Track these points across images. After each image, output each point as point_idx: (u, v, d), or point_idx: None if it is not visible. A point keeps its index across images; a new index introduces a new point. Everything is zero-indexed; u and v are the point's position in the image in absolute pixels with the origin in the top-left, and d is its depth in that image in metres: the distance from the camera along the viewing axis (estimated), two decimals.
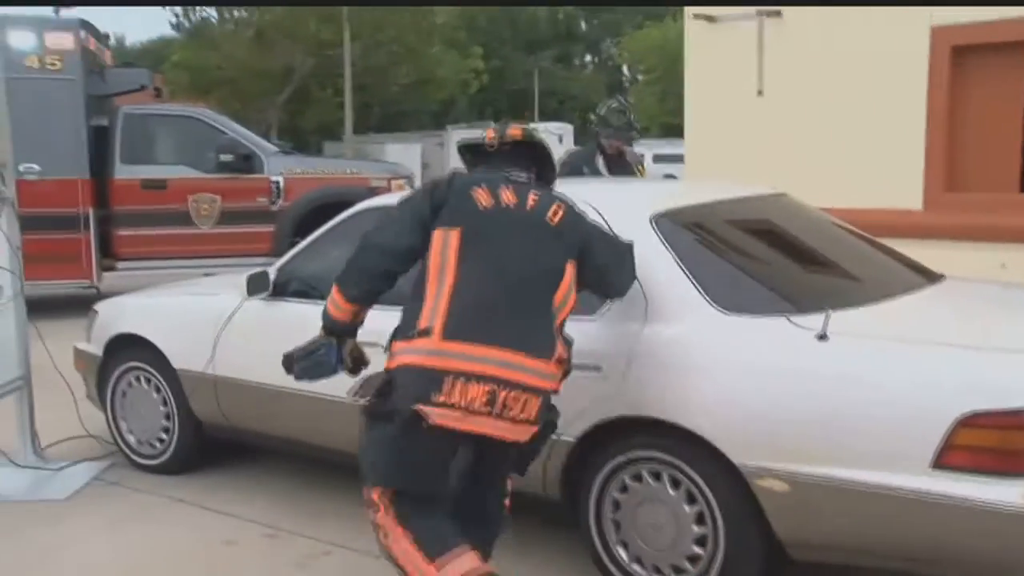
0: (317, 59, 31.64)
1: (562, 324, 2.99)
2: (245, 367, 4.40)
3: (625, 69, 62.94)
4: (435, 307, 2.82)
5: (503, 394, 2.76)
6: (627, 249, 3.21)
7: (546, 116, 47.75)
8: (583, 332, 3.46)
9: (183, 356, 4.62)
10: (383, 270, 2.99)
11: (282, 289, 4.37)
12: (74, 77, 9.42)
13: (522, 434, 2.88)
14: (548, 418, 3.00)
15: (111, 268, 9.98)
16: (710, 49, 8.61)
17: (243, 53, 30.42)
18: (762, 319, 3.25)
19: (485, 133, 3.17)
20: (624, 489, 3.44)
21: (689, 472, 3.27)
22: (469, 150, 3.26)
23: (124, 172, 9.80)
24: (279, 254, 10.46)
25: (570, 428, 3.45)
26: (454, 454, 2.95)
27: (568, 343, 3.03)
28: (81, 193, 9.47)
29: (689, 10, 8.56)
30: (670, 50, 42.22)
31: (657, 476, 3.36)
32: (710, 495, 3.22)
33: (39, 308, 5.31)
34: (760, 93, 8.29)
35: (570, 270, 2.98)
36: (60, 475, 4.83)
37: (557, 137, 35.63)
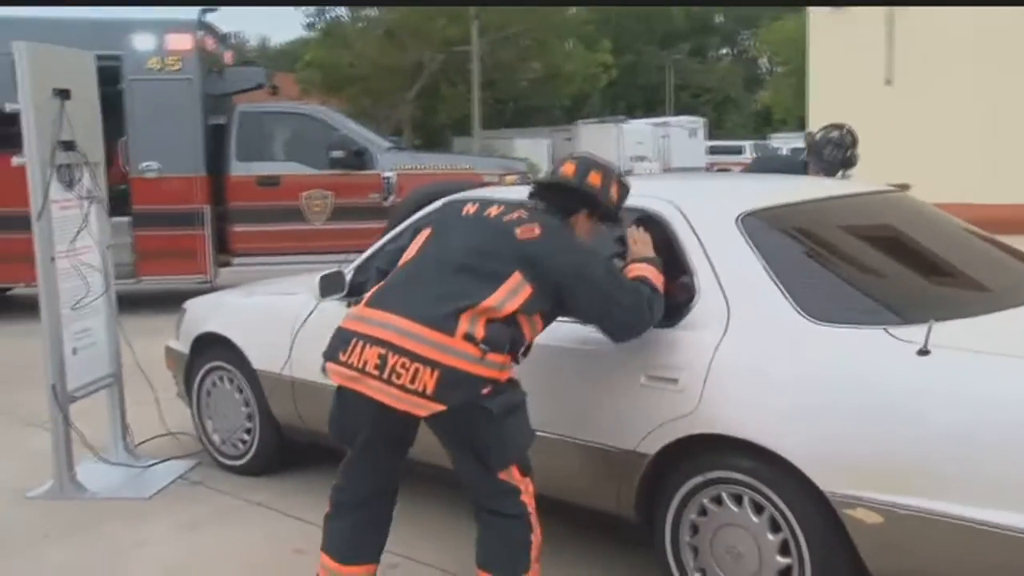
0: (446, 55, 31.87)
1: (489, 320, 2.86)
2: (320, 369, 4.30)
3: (762, 62, 61.49)
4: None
5: (392, 359, 2.80)
6: (619, 301, 3.05)
7: (679, 110, 47.00)
8: (661, 342, 3.24)
9: (262, 356, 4.56)
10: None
11: (359, 289, 4.24)
12: (192, 77, 9.64)
13: (413, 406, 2.82)
14: (475, 402, 2.83)
15: (226, 264, 10.19)
16: (834, 37, 8.22)
17: (373, 51, 30.90)
18: (856, 330, 2.93)
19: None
20: (703, 512, 3.18)
21: (772, 497, 2.98)
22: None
23: (239, 169, 9.98)
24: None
25: (645, 443, 3.22)
26: (378, 426, 3.00)
27: (496, 339, 2.85)
28: (198, 190, 9.68)
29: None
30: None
31: (738, 500, 3.08)
32: (795, 523, 2.93)
33: (155, 303, 5.42)
34: (888, 82, 7.88)
35: (515, 280, 2.91)
36: (147, 473, 4.86)
37: (689, 132, 34.99)
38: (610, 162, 3.37)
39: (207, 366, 4.90)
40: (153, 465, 4.93)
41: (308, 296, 4.39)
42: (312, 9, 33.75)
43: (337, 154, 9.83)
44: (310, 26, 34.96)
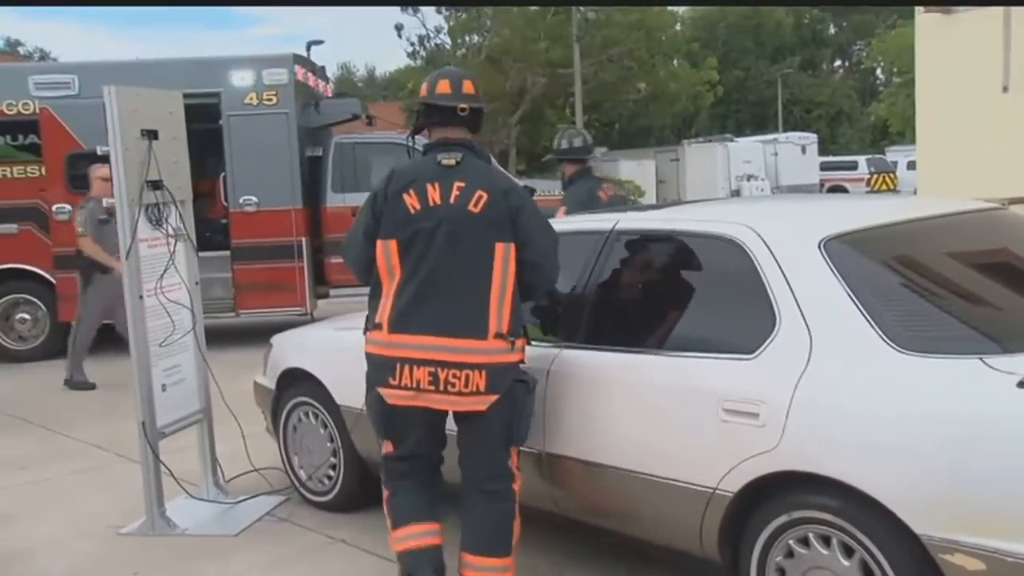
0: (548, 78, 32.01)
1: (511, 298, 3.37)
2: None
3: (879, 72, 59.93)
4: (384, 305, 3.41)
5: (443, 373, 3.30)
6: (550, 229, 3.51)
7: (790, 126, 46.11)
8: (739, 373, 3.15)
9: (344, 391, 4.59)
10: (365, 279, 3.59)
11: None
12: (288, 111, 9.87)
13: (474, 404, 3.34)
14: (516, 380, 3.39)
15: (324, 296, 10.36)
16: (946, 43, 7.90)
17: (475, 76, 31.26)
18: (950, 361, 2.79)
19: (439, 86, 3.49)
20: (790, 554, 3.05)
21: (862, 539, 2.84)
22: (432, 112, 3.52)
23: (335, 200, 10.17)
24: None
25: (727, 481, 3.12)
26: (429, 425, 3.50)
27: (518, 318, 3.42)
28: (295, 222, 9.89)
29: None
30: None
31: (826, 541, 2.95)
32: (888, 568, 2.78)
33: (256, 337, 5.52)
34: (1006, 89, 7.50)
35: (500, 250, 3.35)
36: (235, 509, 4.93)
37: (800, 148, 34.26)
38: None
39: (293, 401, 4.96)
40: (242, 501, 5.00)
41: None
42: (414, 38, 34.51)
43: None
44: (413, 55, 35.62)
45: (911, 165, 35.88)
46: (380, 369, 3.41)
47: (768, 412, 3.02)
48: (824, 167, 34.97)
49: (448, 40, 33.86)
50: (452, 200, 3.36)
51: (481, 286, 3.33)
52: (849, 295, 3.00)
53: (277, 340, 5.26)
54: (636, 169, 31.27)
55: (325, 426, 4.80)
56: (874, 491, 2.76)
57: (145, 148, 4.68)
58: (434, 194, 3.37)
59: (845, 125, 55.08)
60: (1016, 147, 7.13)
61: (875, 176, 33.71)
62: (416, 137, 3.77)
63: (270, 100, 9.88)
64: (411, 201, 3.38)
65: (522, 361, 3.45)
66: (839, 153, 42.79)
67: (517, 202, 3.41)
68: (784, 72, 52.14)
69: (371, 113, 11.49)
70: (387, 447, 3.60)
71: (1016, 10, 7.31)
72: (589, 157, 6.45)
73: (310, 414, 4.89)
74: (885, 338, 2.88)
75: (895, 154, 39.52)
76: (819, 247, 3.15)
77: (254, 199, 9.85)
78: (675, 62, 36.68)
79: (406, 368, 3.32)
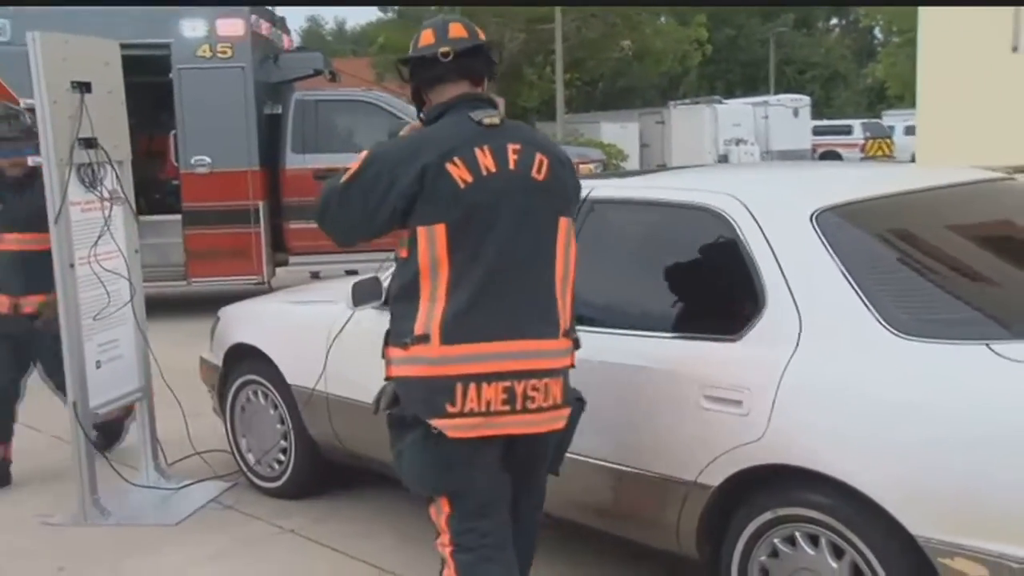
0: (527, 35, 31.67)
1: (572, 286, 2.86)
2: (357, 385, 4.17)
3: (877, 31, 59.84)
4: (430, 310, 2.70)
5: (520, 387, 2.69)
6: None
7: (782, 87, 45.99)
8: (722, 358, 3.03)
9: (296, 370, 4.45)
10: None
11: None
12: (244, 64, 9.64)
13: (554, 421, 2.79)
14: (575, 396, 2.89)
15: (283, 263, 10.17)
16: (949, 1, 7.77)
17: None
18: (953, 346, 2.67)
19: (422, 37, 2.88)
20: (774, 553, 2.95)
21: (854, 540, 2.73)
22: (416, 67, 2.91)
23: (295, 162, 9.94)
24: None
25: (707, 473, 3.01)
26: (499, 462, 2.80)
27: (575, 322, 2.91)
28: (251, 185, 9.68)
29: None
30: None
31: (814, 540, 2.84)
32: (880, 572, 2.68)
33: (209, 307, 5.36)
34: (1015, 49, 7.40)
35: (564, 225, 2.83)
36: (177, 496, 4.79)
37: (792, 111, 34.14)
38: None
39: (240, 379, 4.81)
40: (184, 487, 4.85)
41: (344, 305, 4.25)
42: None
43: None
44: (383, 7, 35.15)
45: (909, 130, 35.81)
46: (431, 394, 2.67)
47: (752, 400, 2.90)
48: (817, 131, 34.84)
49: None
50: (511, 166, 2.76)
51: (549, 272, 2.77)
52: (843, 273, 2.87)
53: (225, 313, 5.10)
54: (619, 132, 31.01)
55: (275, 407, 4.66)
56: (867, 488, 2.65)
57: (76, 102, 4.48)
58: (486, 160, 2.72)
59: (840, 87, 55.02)
60: None
61: (870, 141, 33.62)
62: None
63: (224, 53, 9.64)
64: (459, 172, 2.68)
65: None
66: (833, 117, 42.69)
67: (575, 177, 2.96)
68: (777, 31, 51.94)
69: (334, 68, 11.25)
70: (444, 507, 2.77)
71: None
72: None
73: (259, 393, 4.75)
74: (882, 321, 2.76)
75: (892, 118, 39.46)
76: (811, 219, 3.02)
77: (207, 159, 9.63)
78: (662, 19, 36.37)
79: (471, 387, 2.64)
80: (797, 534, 2.87)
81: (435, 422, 2.65)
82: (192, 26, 9.59)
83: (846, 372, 2.77)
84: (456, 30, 2.86)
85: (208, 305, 4.94)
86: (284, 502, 4.67)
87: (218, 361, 4.94)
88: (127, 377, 4.90)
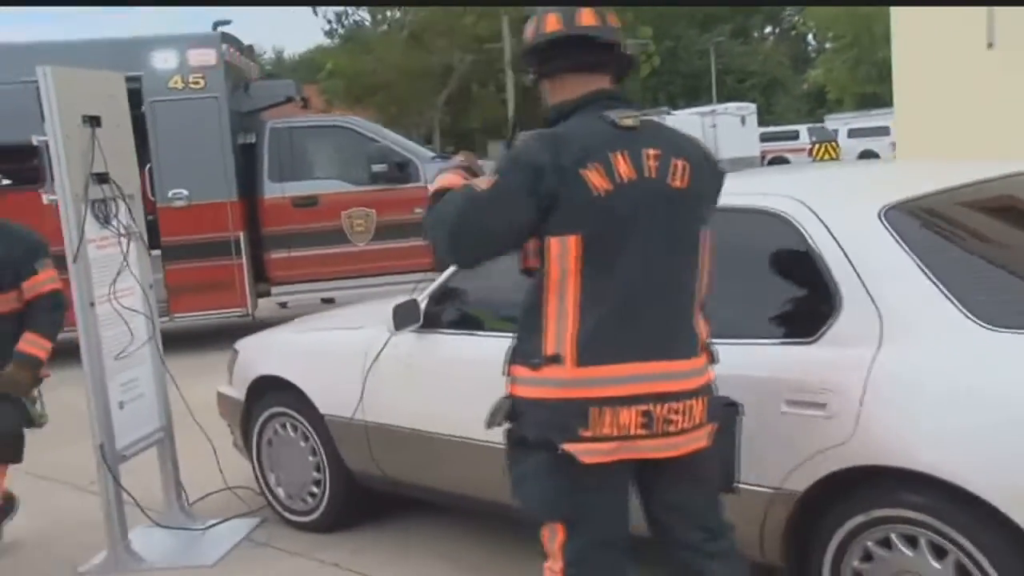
0: (476, 55, 31.71)
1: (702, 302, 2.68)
2: (398, 411, 4.08)
3: (811, 38, 60.78)
4: (561, 328, 2.52)
5: (659, 410, 2.52)
6: None
7: (724, 96, 46.45)
8: (799, 360, 2.98)
9: (330, 400, 4.33)
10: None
11: (434, 320, 4.02)
12: (218, 94, 9.49)
13: (697, 441, 2.61)
14: (725, 402, 2.74)
15: (265, 294, 10.00)
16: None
17: (398, 55, 30.81)
18: None
19: (543, 23, 2.63)
20: (868, 557, 2.89)
21: (957, 538, 2.68)
22: (543, 57, 2.65)
23: (273, 191, 9.77)
24: (443, 269, 10.39)
25: (792, 479, 2.95)
26: (627, 489, 2.66)
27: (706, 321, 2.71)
28: (231, 216, 9.51)
29: None
30: (863, 13, 40.29)
31: (912, 542, 2.79)
32: (990, 570, 2.63)
33: (192, 342, 5.22)
34: (991, 46, 7.50)
35: (704, 239, 2.64)
36: (207, 535, 4.64)
37: (740, 119, 34.48)
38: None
39: (267, 412, 4.67)
40: (213, 526, 4.70)
41: (376, 329, 4.16)
42: (331, 14, 33.76)
43: (378, 168, 9.60)
44: (330, 32, 34.97)
45: (852, 133, 36.43)
46: (563, 418, 2.50)
47: (838, 401, 2.85)
48: (764, 138, 35.24)
49: (367, 16, 33.32)
50: (649, 173, 2.55)
51: (688, 288, 2.60)
52: (921, 268, 2.84)
53: (244, 345, 4.96)
54: None
55: (306, 438, 4.53)
56: (972, 485, 2.60)
57: (88, 136, 4.35)
58: (624, 167, 2.51)
59: (780, 94, 55.74)
60: (1003, 106, 7.11)
61: (817, 145, 34.05)
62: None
63: (197, 83, 9.48)
64: (595, 179, 2.47)
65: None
66: (776, 123, 43.22)
67: (719, 176, 2.73)
68: (716, 40, 52.51)
69: (305, 95, 11.12)
70: (559, 532, 2.59)
71: None
72: None
73: (287, 426, 4.61)
74: (969, 314, 2.72)
75: (834, 122, 40.09)
76: (880, 217, 2.98)
77: (184, 192, 9.45)
78: None
79: (607, 412, 2.48)
80: (893, 536, 2.82)
81: (567, 446, 2.48)
82: (163, 57, 9.43)
83: (937, 367, 2.74)
84: (587, 17, 2.59)
85: (190, 340, 4.79)
86: (318, 536, 4.54)
87: (240, 395, 4.80)
88: (149, 417, 4.75)
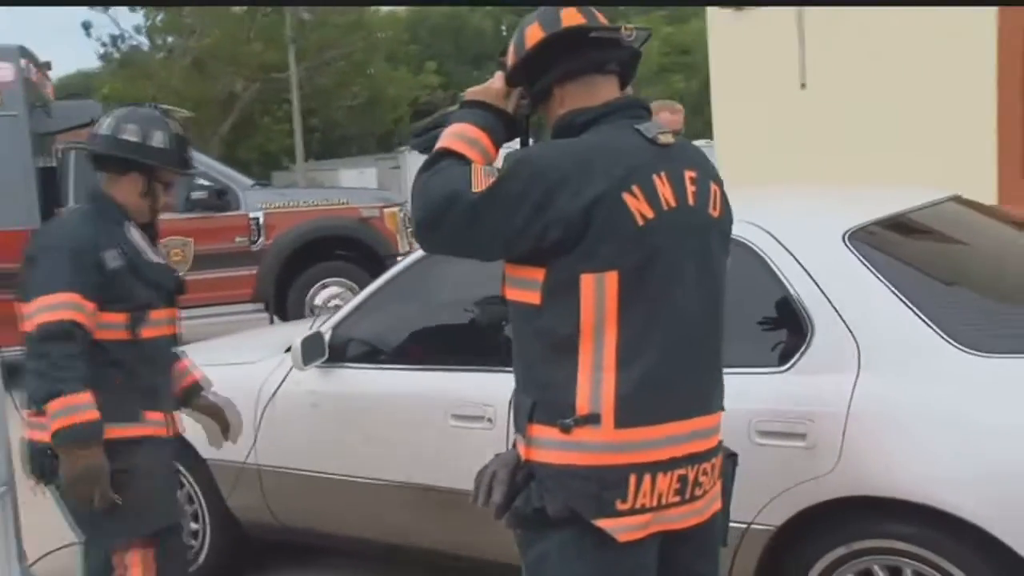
0: (261, 83, 30.70)
1: None
2: (297, 452, 3.67)
3: None
4: (597, 382, 2.05)
5: (692, 472, 2.13)
6: None
7: None
8: (773, 389, 2.81)
9: None
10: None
11: (340, 353, 3.64)
12: (17, 113, 8.58)
13: (713, 503, 2.23)
14: (726, 455, 2.31)
15: None
16: (739, 40, 8.06)
17: (179, 82, 29.40)
18: None
19: (525, 37, 2.19)
20: None
21: (946, 567, 2.58)
22: (556, 54, 2.16)
23: None
24: (265, 299, 9.81)
25: (766, 514, 2.79)
26: (654, 561, 2.17)
27: None
28: None
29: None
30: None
31: (896, 573, 2.67)
32: None
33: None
34: (804, 86, 7.77)
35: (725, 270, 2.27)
36: None
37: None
38: None
39: None
40: None
41: (272, 363, 3.73)
42: (106, 37, 31.80)
43: (196, 195, 8.96)
44: (105, 56, 32.91)
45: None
46: (599, 488, 2.05)
47: (818, 431, 2.70)
48: None
49: (146, 40, 31.62)
50: (690, 200, 2.13)
51: (722, 331, 2.22)
52: (892, 292, 2.75)
53: None
54: (358, 178, 30.57)
55: (182, 485, 4.00)
56: (966, 513, 2.51)
57: None
58: (665, 191, 2.08)
59: None
60: (817, 141, 7.37)
61: None
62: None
63: None
64: (637, 205, 2.04)
65: None
66: None
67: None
68: (486, 79, 53.22)
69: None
70: None
71: (806, 8, 7.58)
72: None
73: None
74: (948, 339, 2.64)
75: None
76: (844, 240, 2.88)
77: None
78: (384, 65, 36.32)
79: (646, 478, 2.06)
80: (875, 567, 2.70)
81: (602, 523, 2.04)
82: None
83: (923, 393, 2.64)
84: (572, 15, 2.15)
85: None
86: None
87: None
88: None
